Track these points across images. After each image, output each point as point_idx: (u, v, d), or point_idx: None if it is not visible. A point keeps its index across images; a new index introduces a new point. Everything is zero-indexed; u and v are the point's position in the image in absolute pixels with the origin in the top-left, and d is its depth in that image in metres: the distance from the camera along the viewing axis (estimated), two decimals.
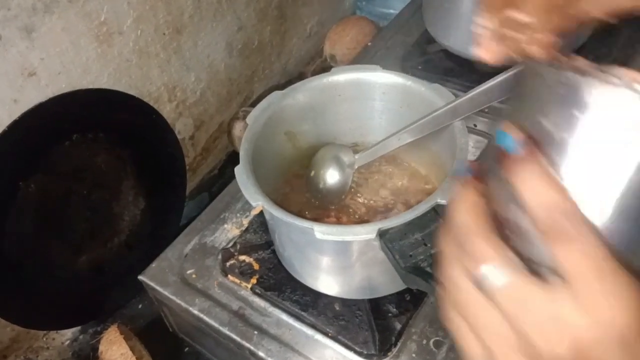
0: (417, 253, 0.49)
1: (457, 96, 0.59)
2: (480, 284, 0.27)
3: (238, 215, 0.75)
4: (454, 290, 0.29)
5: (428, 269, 0.47)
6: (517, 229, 0.28)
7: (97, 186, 0.79)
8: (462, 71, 0.88)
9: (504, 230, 0.28)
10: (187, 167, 0.91)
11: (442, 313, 0.30)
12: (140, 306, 0.85)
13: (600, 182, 0.25)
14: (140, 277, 0.70)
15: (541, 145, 0.26)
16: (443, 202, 0.51)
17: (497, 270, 0.26)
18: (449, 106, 0.57)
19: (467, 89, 0.57)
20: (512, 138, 0.27)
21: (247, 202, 0.68)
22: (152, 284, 0.69)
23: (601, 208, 0.25)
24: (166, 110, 0.87)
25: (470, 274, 0.27)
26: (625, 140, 0.24)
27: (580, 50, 0.89)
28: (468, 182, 0.29)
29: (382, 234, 0.50)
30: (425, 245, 0.49)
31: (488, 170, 0.29)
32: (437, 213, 0.51)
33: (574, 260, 0.25)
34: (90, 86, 0.73)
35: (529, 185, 0.26)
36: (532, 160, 0.26)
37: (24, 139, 0.67)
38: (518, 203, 0.27)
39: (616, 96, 0.24)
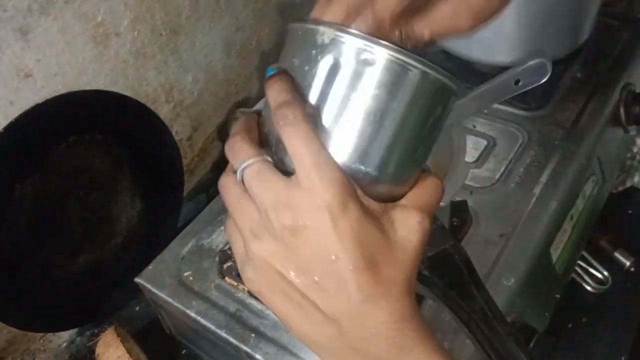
0: None
1: None
2: (241, 178, 0.34)
3: None
4: (225, 193, 0.36)
5: (425, 272, 0.47)
6: (274, 136, 0.36)
7: (94, 188, 0.79)
8: (461, 72, 0.88)
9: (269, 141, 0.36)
10: (185, 169, 0.91)
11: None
12: (137, 308, 0.85)
13: (328, 100, 0.34)
14: (137, 280, 0.69)
15: (294, 74, 0.35)
16: (441, 204, 0.50)
17: (251, 164, 0.34)
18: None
19: (466, 90, 0.57)
20: (271, 69, 0.36)
21: None
22: (148, 286, 0.68)
23: (331, 122, 0.34)
24: (163, 112, 0.86)
25: (235, 173, 0.35)
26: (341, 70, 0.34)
27: (580, 51, 0.89)
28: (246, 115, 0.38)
29: None
30: None
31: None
32: (434, 215, 0.51)
33: (291, 142, 0.33)
34: (87, 87, 0.72)
35: (270, 92, 0.35)
36: (279, 75, 0.35)
37: (20, 140, 0.67)
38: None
39: (330, 35, 0.34)
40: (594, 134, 0.81)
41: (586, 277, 0.83)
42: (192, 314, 0.65)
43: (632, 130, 0.88)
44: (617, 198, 0.93)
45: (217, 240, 0.72)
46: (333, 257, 0.32)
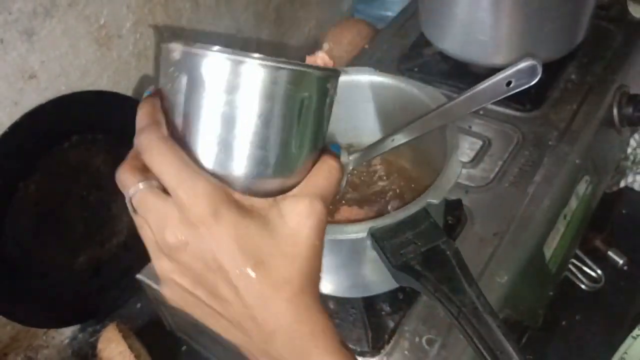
0: (407, 252, 0.50)
1: (450, 98, 0.60)
2: (131, 207, 0.36)
3: None
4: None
5: (418, 267, 0.48)
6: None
7: (96, 187, 0.80)
8: (457, 74, 0.90)
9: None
10: None
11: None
12: (138, 305, 0.86)
13: (190, 112, 0.35)
14: (138, 276, 0.71)
15: (164, 98, 0.37)
16: (434, 201, 0.52)
17: (134, 194, 0.35)
18: (442, 108, 0.58)
19: (462, 91, 0.59)
20: (147, 92, 0.38)
21: None
22: (150, 282, 0.70)
23: (196, 133, 0.36)
24: None
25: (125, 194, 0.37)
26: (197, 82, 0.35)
27: (575, 53, 0.90)
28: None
29: (373, 233, 0.51)
30: (416, 244, 0.50)
31: None
32: (427, 212, 0.52)
33: (154, 165, 0.34)
34: (90, 88, 0.74)
35: (136, 118, 0.37)
36: (144, 102, 0.37)
37: (24, 140, 0.68)
38: None
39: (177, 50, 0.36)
40: (588, 134, 0.82)
41: (580, 276, 0.84)
42: None
43: (626, 131, 0.90)
44: (611, 198, 0.94)
45: None
46: (216, 265, 0.33)
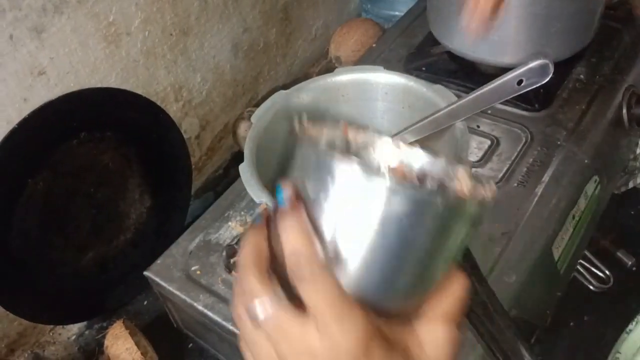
0: None
1: (460, 97, 0.60)
2: (253, 316, 0.32)
3: (242, 213, 0.76)
4: (239, 325, 0.34)
5: None
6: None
7: (104, 184, 0.80)
8: (465, 73, 0.89)
9: (283, 272, 0.33)
10: (193, 167, 0.92)
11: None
12: (145, 302, 0.86)
13: (346, 233, 0.32)
14: (145, 273, 0.71)
15: (307, 202, 0.33)
16: None
17: (264, 304, 0.32)
18: (450, 107, 0.58)
19: (470, 91, 0.58)
20: (282, 194, 0.33)
21: (251, 200, 0.70)
22: (157, 279, 0.70)
23: (348, 256, 0.32)
24: (172, 110, 0.88)
25: (247, 309, 0.33)
26: (356, 203, 0.31)
27: (584, 53, 0.90)
28: (254, 227, 0.35)
29: None
30: None
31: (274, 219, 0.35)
32: None
33: (310, 297, 0.31)
34: (98, 85, 0.74)
35: (285, 234, 0.32)
36: (293, 214, 0.32)
37: (33, 137, 0.68)
38: None
39: (346, 170, 0.31)
40: (596, 135, 0.81)
41: (588, 276, 0.84)
42: (200, 307, 0.66)
43: (635, 131, 0.89)
44: (619, 198, 0.93)
45: (224, 235, 0.74)
46: None
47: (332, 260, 0.32)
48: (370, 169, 0.30)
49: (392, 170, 0.34)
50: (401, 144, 0.38)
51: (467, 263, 0.49)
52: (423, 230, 0.31)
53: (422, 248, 0.32)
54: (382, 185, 0.30)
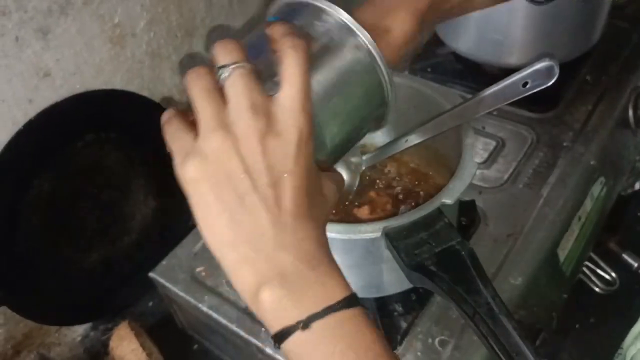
0: (421, 252, 0.50)
1: (465, 99, 0.60)
2: (223, 73, 0.36)
3: None
4: (194, 80, 0.37)
5: (432, 268, 0.48)
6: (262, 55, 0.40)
7: (109, 185, 0.81)
8: (471, 74, 0.89)
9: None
10: None
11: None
12: (150, 304, 0.86)
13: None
14: (151, 274, 0.71)
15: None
16: (448, 202, 0.52)
17: (243, 66, 0.36)
18: (456, 108, 0.58)
19: (475, 92, 0.58)
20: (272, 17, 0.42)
21: None
22: (162, 280, 0.70)
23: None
24: None
25: (215, 69, 0.37)
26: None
27: (590, 53, 0.89)
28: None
29: (387, 233, 0.51)
30: (430, 244, 0.50)
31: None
32: (442, 213, 0.52)
33: (291, 67, 0.36)
34: (104, 87, 0.74)
35: (278, 26, 0.39)
36: (284, 23, 0.39)
37: (39, 138, 0.68)
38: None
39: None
40: (603, 136, 0.81)
41: (594, 278, 0.83)
42: (204, 309, 0.66)
43: None
44: (626, 200, 0.93)
45: None
46: (286, 172, 0.36)
47: None
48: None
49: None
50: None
51: (471, 264, 0.49)
52: (358, 83, 0.42)
53: (350, 95, 0.42)
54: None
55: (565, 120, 0.82)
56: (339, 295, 0.36)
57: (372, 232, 0.50)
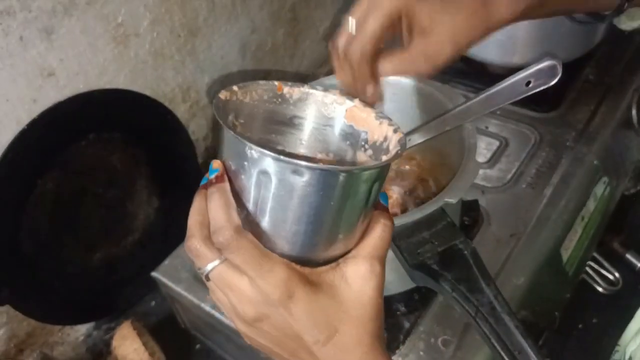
0: (424, 251, 0.50)
1: (468, 98, 0.60)
2: (204, 275, 0.39)
3: None
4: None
5: (435, 267, 0.48)
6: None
7: (112, 185, 0.81)
8: (474, 73, 0.89)
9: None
10: (200, 167, 0.93)
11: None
12: (152, 303, 0.86)
13: (260, 202, 0.37)
14: (153, 274, 0.71)
15: (231, 177, 0.38)
16: (451, 201, 0.52)
17: (212, 269, 0.38)
18: (459, 108, 0.58)
19: (479, 91, 0.58)
20: (212, 170, 0.39)
21: None
22: (164, 280, 0.70)
23: (265, 220, 0.37)
24: (180, 111, 0.88)
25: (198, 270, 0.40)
26: (264, 177, 0.36)
27: (593, 53, 0.89)
28: (199, 192, 0.40)
29: None
30: (433, 243, 0.50)
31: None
32: (444, 212, 0.52)
33: (233, 260, 0.37)
34: (107, 87, 0.74)
35: (209, 204, 0.38)
36: (216, 186, 0.38)
37: (42, 137, 0.69)
38: None
39: (248, 153, 0.36)
40: (606, 136, 0.81)
41: (597, 278, 0.83)
42: (207, 308, 0.66)
43: None
44: (629, 200, 0.93)
45: None
46: (295, 336, 0.37)
47: (254, 224, 0.38)
48: (268, 155, 0.35)
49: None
50: (329, 94, 0.44)
51: (474, 263, 0.49)
52: (327, 196, 0.36)
53: (328, 210, 0.37)
54: (283, 167, 0.35)
55: (568, 120, 0.82)
56: None
57: None
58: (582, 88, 0.87)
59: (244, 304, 0.38)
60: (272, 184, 0.36)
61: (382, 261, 0.40)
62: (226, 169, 0.39)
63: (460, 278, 0.47)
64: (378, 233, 0.40)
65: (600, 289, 0.83)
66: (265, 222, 0.38)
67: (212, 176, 0.38)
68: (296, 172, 0.35)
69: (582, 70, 0.89)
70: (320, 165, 0.38)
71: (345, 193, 0.37)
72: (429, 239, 0.50)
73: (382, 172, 0.39)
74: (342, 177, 0.36)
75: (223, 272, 0.38)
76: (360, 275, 0.38)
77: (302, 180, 0.35)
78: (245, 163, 0.37)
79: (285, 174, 0.36)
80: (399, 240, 0.50)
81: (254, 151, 0.36)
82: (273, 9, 0.99)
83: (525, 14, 0.49)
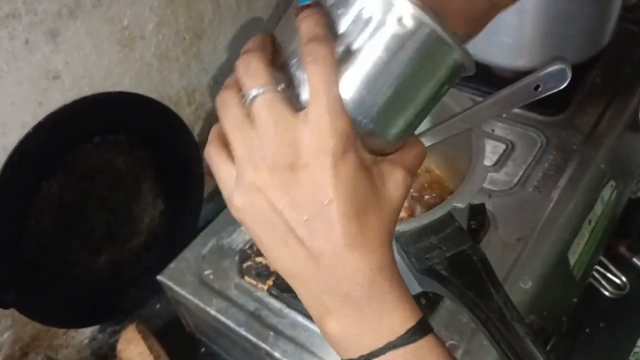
0: (432, 256, 0.49)
1: (475, 102, 0.59)
2: (247, 100, 0.33)
3: None
4: (225, 112, 0.35)
5: (444, 273, 0.48)
6: (292, 62, 0.35)
7: (117, 187, 0.81)
8: (480, 76, 0.88)
9: (285, 66, 0.35)
10: (205, 170, 0.92)
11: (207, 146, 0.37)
12: (157, 306, 0.86)
13: (353, 47, 0.34)
14: (159, 277, 0.71)
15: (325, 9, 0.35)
16: (460, 205, 0.51)
17: (266, 92, 0.33)
18: (467, 111, 0.57)
19: (485, 94, 0.58)
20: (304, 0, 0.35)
21: None
22: (170, 283, 0.70)
23: (351, 66, 0.34)
24: (185, 114, 0.88)
25: (242, 94, 0.34)
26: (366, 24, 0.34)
27: (600, 55, 0.89)
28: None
29: (397, 237, 0.50)
30: (441, 248, 0.50)
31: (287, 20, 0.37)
32: (453, 217, 0.52)
33: (314, 79, 0.32)
34: (112, 89, 0.74)
35: (304, 23, 0.34)
36: (313, 11, 0.34)
37: (48, 140, 0.68)
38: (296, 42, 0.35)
39: None
40: (613, 139, 0.81)
41: (604, 282, 0.83)
42: (213, 312, 0.66)
43: None
44: (636, 204, 0.92)
45: (237, 240, 0.74)
46: (327, 200, 0.33)
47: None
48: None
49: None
50: None
51: (483, 268, 0.48)
52: (415, 60, 0.34)
53: (410, 77, 0.35)
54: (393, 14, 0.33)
55: (575, 123, 0.82)
56: (402, 327, 0.35)
57: None
58: (589, 91, 0.87)
59: (287, 143, 0.33)
60: (378, 30, 0.34)
61: (414, 177, 0.39)
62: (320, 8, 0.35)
63: (469, 284, 0.46)
64: (417, 150, 0.39)
65: (607, 293, 0.82)
66: (343, 69, 0.34)
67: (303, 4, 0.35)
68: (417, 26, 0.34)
69: (589, 73, 0.89)
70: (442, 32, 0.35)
71: (431, 66, 0.36)
72: (437, 244, 0.50)
73: (459, 73, 0.39)
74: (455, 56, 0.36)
75: (277, 98, 0.33)
76: (395, 179, 0.36)
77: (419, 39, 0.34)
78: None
79: (390, 15, 0.33)
80: (407, 245, 0.50)
81: None
82: (278, 12, 0.99)
83: None
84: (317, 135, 0.33)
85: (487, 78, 0.87)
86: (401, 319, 0.35)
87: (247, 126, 0.34)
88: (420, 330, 0.35)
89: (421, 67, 0.35)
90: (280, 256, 0.36)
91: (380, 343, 0.34)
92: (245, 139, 0.34)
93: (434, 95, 0.38)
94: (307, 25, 0.34)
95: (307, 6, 0.35)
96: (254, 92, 0.33)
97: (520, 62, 0.84)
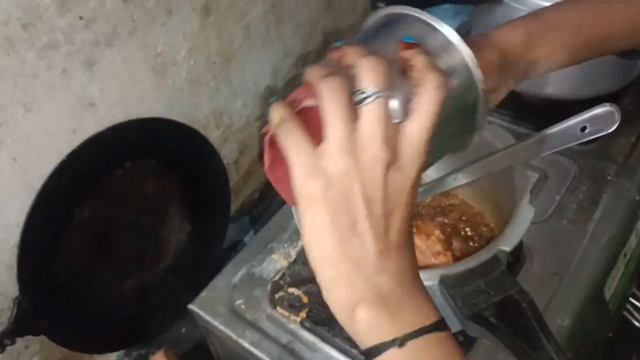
0: (479, 301, 0.49)
1: (519, 140, 0.58)
2: (361, 94, 0.36)
3: (285, 245, 0.75)
4: (330, 92, 0.37)
5: (492, 319, 0.47)
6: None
7: (145, 211, 0.80)
8: (509, 102, 0.87)
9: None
10: (231, 191, 0.92)
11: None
12: (183, 330, 0.85)
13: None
14: (190, 306, 0.70)
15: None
16: (506, 249, 0.50)
17: (385, 96, 0.36)
18: (510, 149, 0.57)
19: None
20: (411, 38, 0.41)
21: (294, 232, 0.69)
22: (202, 313, 0.69)
23: None
24: (213, 137, 0.87)
25: (349, 86, 0.37)
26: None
27: (631, 85, 0.88)
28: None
29: (443, 280, 0.50)
30: (488, 293, 0.49)
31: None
32: (499, 260, 0.51)
33: (427, 102, 0.37)
34: (145, 115, 0.74)
35: (416, 54, 0.39)
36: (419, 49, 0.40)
37: (81, 167, 0.68)
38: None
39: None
40: None
41: (636, 314, 0.82)
42: (246, 345, 0.65)
43: None
44: None
45: (267, 269, 0.73)
46: (400, 204, 0.37)
47: None
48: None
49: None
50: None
51: (533, 315, 0.48)
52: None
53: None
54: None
55: (609, 152, 0.81)
56: (431, 318, 0.38)
57: (428, 279, 0.49)
58: (622, 119, 0.86)
59: (388, 144, 0.36)
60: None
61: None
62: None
63: (519, 332, 0.46)
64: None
65: (638, 325, 0.82)
66: None
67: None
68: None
69: (620, 101, 0.88)
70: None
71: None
72: (484, 288, 0.49)
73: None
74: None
75: (388, 105, 0.37)
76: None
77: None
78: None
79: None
80: (453, 289, 0.49)
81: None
82: (306, 32, 0.99)
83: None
84: (416, 146, 0.37)
85: (517, 106, 0.86)
86: (431, 312, 0.39)
87: (352, 114, 0.36)
88: (443, 324, 0.39)
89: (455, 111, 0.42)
90: (337, 241, 0.37)
91: (413, 328, 0.37)
92: (346, 127, 0.36)
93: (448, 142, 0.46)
94: (422, 56, 0.39)
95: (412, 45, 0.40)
96: (372, 91, 0.36)
97: (551, 90, 0.84)
